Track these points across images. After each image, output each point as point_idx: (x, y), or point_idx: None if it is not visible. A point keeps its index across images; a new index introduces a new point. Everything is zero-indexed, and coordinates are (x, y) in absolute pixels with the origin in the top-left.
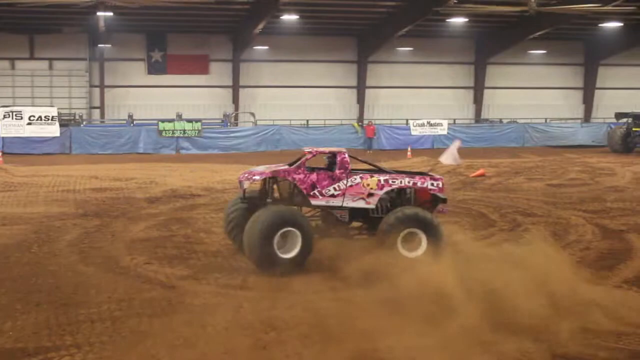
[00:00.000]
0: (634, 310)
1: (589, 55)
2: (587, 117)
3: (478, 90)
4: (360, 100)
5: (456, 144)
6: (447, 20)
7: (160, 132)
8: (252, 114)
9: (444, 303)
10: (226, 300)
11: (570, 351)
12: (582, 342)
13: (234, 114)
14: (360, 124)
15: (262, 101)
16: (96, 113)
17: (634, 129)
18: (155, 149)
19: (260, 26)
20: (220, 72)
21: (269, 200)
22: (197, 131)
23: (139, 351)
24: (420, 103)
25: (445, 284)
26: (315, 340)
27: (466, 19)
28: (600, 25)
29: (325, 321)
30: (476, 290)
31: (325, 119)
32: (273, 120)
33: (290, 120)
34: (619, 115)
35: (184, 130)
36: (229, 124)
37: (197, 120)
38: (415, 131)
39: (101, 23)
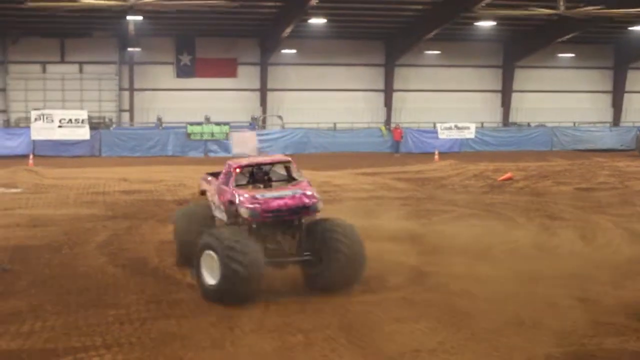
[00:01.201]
0: None
1: (618, 58)
2: (615, 120)
3: (506, 93)
4: (388, 103)
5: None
6: (475, 23)
7: (188, 135)
8: (280, 117)
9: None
10: (253, 302)
11: None
12: None
13: (262, 117)
14: (387, 127)
15: (290, 104)
16: (125, 116)
17: None
18: (184, 151)
19: (288, 30)
20: (248, 75)
21: None
22: (225, 134)
23: (167, 353)
24: (448, 106)
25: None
26: (342, 343)
27: (494, 22)
28: (629, 28)
29: (353, 324)
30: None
31: (352, 122)
32: (301, 123)
33: (318, 123)
34: None
35: (212, 133)
36: (256, 126)
37: (225, 123)
38: (443, 134)
39: (131, 27)
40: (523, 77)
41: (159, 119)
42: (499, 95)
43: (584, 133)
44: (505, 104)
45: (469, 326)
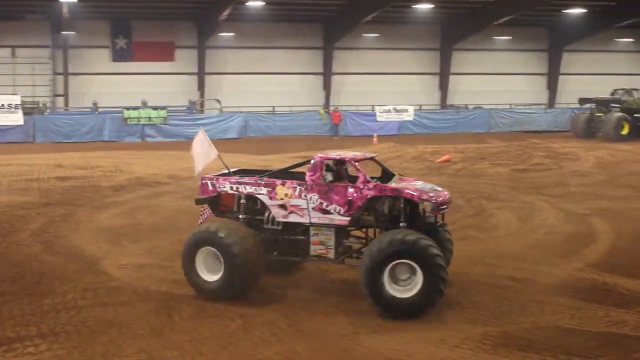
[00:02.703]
0: None
1: (553, 41)
2: (551, 102)
3: (444, 76)
4: (327, 86)
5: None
6: (413, 6)
7: (125, 119)
8: (218, 101)
9: None
10: (192, 288)
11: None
12: None
13: (199, 101)
14: (326, 110)
15: (228, 88)
16: (60, 101)
17: (597, 114)
18: (120, 136)
19: (226, 13)
20: (185, 59)
21: None
22: (162, 118)
23: (104, 341)
24: (387, 89)
25: None
26: (282, 327)
27: (432, 5)
28: (564, 11)
29: (293, 309)
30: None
31: (291, 106)
32: (239, 107)
33: (257, 107)
34: (582, 101)
35: (150, 118)
36: (194, 111)
37: (162, 108)
38: (381, 117)
39: (64, 10)
40: (460, 60)
41: (95, 104)
42: (437, 78)
43: (520, 115)
44: (443, 86)
45: None
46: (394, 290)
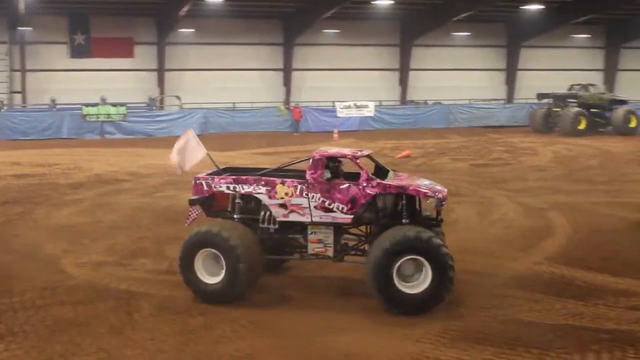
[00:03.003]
0: None
1: (511, 37)
2: (509, 97)
3: (403, 72)
4: (287, 82)
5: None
6: (373, 2)
7: (84, 116)
8: (178, 98)
9: None
10: (153, 285)
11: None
12: None
13: (159, 98)
14: (286, 106)
15: (188, 84)
16: (17, 98)
17: (554, 109)
18: (79, 133)
19: (185, 9)
20: (145, 55)
21: None
22: (122, 115)
23: (63, 340)
24: (347, 85)
25: None
26: (243, 324)
27: (391, 1)
28: (522, 7)
29: (255, 306)
30: None
31: (251, 102)
32: (199, 103)
33: (217, 103)
34: (540, 96)
35: (109, 115)
36: (154, 107)
37: (121, 104)
38: (342, 113)
39: (21, 5)
40: (420, 56)
41: (53, 101)
42: (397, 73)
43: (479, 110)
44: (403, 82)
45: (368, 302)
46: (403, 287)
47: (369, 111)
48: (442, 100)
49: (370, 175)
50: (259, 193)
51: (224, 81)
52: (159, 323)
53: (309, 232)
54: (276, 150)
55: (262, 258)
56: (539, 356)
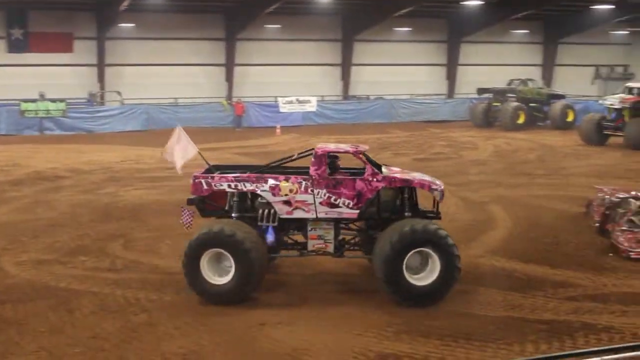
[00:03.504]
0: None
1: (451, 32)
2: (450, 92)
3: (345, 67)
4: (229, 78)
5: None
6: None
7: (22, 112)
8: (119, 93)
9: None
10: (94, 283)
11: None
12: None
13: (99, 94)
14: (229, 101)
15: (129, 80)
16: None
17: (494, 104)
18: (18, 130)
19: (126, 3)
20: (85, 50)
21: None
22: (61, 111)
23: (3, 339)
24: (289, 80)
25: None
26: (187, 321)
27: None
28: (462, 3)
29: (199, 302)
30: None
31: (194, 97)
32: (141, 99)
33: (159, 99)
34: (480, 91)
35: (48, 111)
36: (94, 103)
37: (61, 100)
38: (284, 108)
39: None
40: (362, 51)
41: None
42: (339, 68)
43: (420, 105)
44: (345, 77)
45: (313, 298)
46: (412, 279)
47: (312, 106)
48: (384, 95)
49: (375, 169)
50: (262, 191)
51: (166, 76)
52: (100, 321)
53: (309, 228)
54: (218, 146)
55: (267, 258)
56: (480, 347)
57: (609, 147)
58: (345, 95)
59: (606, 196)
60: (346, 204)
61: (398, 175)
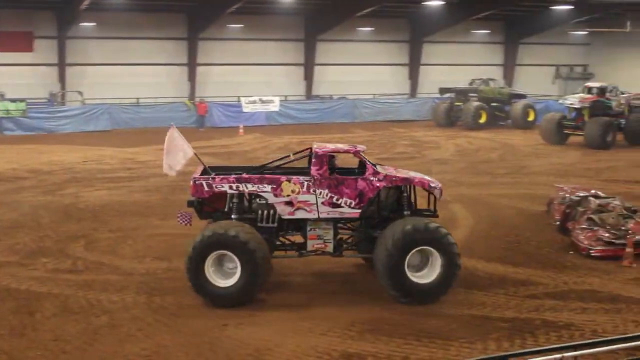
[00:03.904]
0: None
1: (413, 32)
2: (413, 92)
3: (308, 66)
4: (192, 77)
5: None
6: None
7: None
8: (80, 93)
9: None
10: (55, 285)
11: None
12: None
13: (60, 93)
14: (192, 101)
15: (91, 79)
16: None
17: (456, 103)
18: None
19: (87, 2)
20: (45, 49)
21: None
22: (21, 111)
23: None
24: (252, 80)
25: None
26: (149, 322)
27: None
28: (423, 3)
29: (160, 303)
30: None
31: (156, 97)
32: (103, 99)
33: (121, 98)
34: (442, 90)
35: (8, 111)
36: (55, 103)
37: (21, 100)
38: (247, 108)
39: None
40: (325, 51)
41: None
42: (302, 68)
43: (383, 104)
44: (308, 77)
45: (275, 298)
46: (414, 277)
47: (275, 106)
48: (347, 95)
49: (377, 169)
50: (264, 192)
51: (128, 76)
52: (62, 323)
53: (308, 228)
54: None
55: (270, 259)
56: (443, 346)
57: (569, 146)
58: (308, 95)
59: (566, 195)
60: (348, 203)
61: (398, 174)
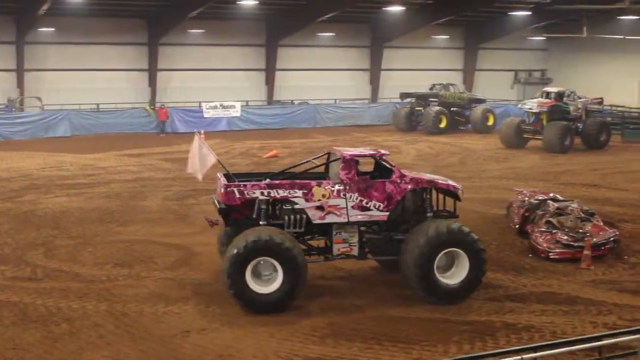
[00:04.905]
0: None
1: (374, 37)
2: (374, 97)
3: (270, 72)
4: (152, 83)
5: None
6: (238, 2)
7: None
8: (39, 99)
9: None
10: (14, 293)
11: None
12: None
13: (19, 99)
14: (152, 107)
15: (50, 85)
16: None
17: (417, 108)
18: None
19: (45, 7)
20: (3, 55)
21: None
22: None
23: None
24: (213, 85)
25: None
26: (110, 329)
27: (256, 1)
28: (384, 9)
29: (121, 310)
30: None
31: (116, 103)
32: (62, 104)
33: (81, 104)
34: (403, 95)
35: None
36: (13, 109)
37: None
38: (208, 113)
39: None
40: (286, 56)
41: None
42: (263, 73)
43: (344, 110)
44: (270, 82)
45: (237, 305)
46: (442, 278)
47: (236, 111)
48: (309, 100)
49: (403, 172)
50: (295, 197)
51: (88, 82)
52: (21, 332)
53: (334, 232)
54: (141, 152)
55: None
56: (404, 349)
57: (528, 150)
58: (270, 101)
59: (525, 198)
60: (377, 206)
61: (423, 177)
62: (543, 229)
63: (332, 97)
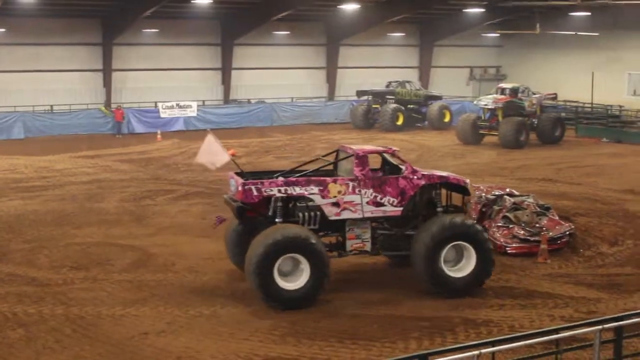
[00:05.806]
0: None
1: (330, 35)
2: (331, 95)
3: (226, 71)
4: (107, 83)
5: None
6: (192, 1)
7: None
8: None
9: None
10: None
11: None
12: None
13: None
14: (108, 108)
15: (2, 87)
16: None
17: (374, 106)
18: None
19: None
20: None
21: None
22: None
23: None
24: (169, 85)
25: None
26: (67, 333)
27: (211, 0)
28: (338, 7)
29: (78, 313)
30: None
31: (71, 104)
32: (15, 106)
33: (34, 106)
34: (359, 93)
35: None
36: None
37: None
38: (165, 114)
39: None
40: (242, 55)
41: None
42: (219, 73)
43: (301, 108)
44: (226, 81)
45: (196, 304)
46: (449, 271)
47: (192, 111)
48: (265, 99)
49: (414, 167)
50: (312, 194)
51: (41, 83)
52: None
53: (347, 228)
54: (97, 154)
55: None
56: (365, 347)
57: (484, 146)
58: (226, 100)
59: (482, 194)
60: (391, 202)
61: (435, 173)
62: (500, 224)
63: (289, 95)
